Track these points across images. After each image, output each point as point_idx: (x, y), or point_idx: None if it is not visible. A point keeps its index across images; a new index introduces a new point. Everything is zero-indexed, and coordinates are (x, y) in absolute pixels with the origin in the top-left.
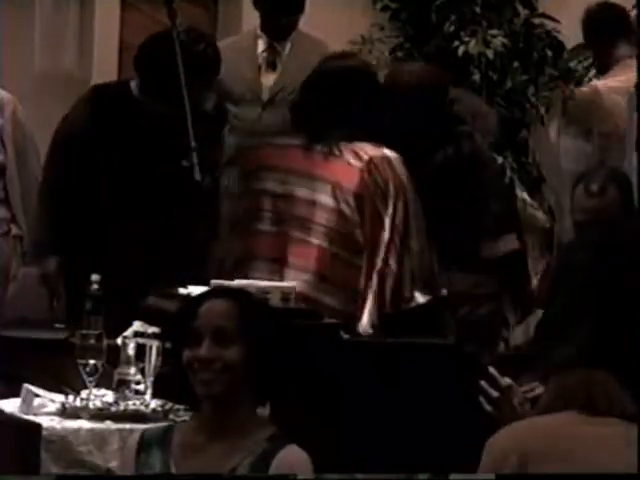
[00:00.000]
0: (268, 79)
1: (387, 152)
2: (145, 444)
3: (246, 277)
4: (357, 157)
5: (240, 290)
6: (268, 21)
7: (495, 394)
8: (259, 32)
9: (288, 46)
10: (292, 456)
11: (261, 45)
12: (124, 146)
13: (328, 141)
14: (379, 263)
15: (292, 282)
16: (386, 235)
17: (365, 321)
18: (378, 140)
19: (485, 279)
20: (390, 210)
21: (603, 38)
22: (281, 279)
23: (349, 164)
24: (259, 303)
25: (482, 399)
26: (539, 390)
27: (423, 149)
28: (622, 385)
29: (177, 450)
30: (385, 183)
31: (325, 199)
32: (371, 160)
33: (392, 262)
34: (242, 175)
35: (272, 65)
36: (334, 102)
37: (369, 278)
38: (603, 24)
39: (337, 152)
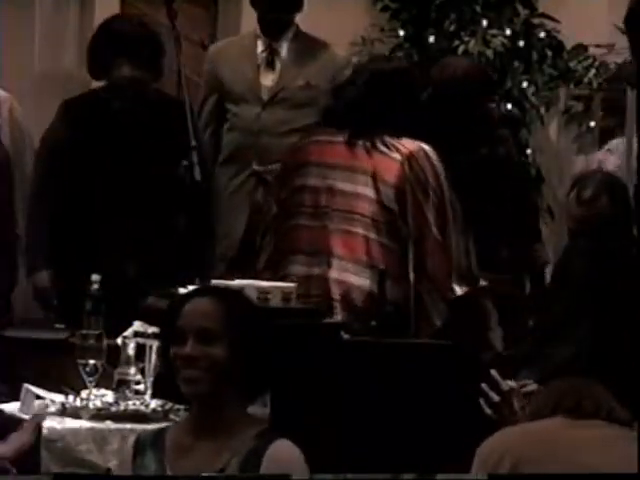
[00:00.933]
0: (267, 79)
1: (424, 146)
2: (140, 447)
3: (285, 271)
4: (397, 151)
5: (226, 289)
6: (264, 20)
7: (496, 398)
8: (258, 32)
9: (287, 45)
10: (282, 451)
11: (260, 45)
12: (104, 150)
13: (369, 136)
14: (427, 260)
15: (338, 272)
16: (431, 231)
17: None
18: (417, 137)
19: (500, 279)
20: (431, 203)
21: None
22: (327, 270)
23: (389, 157)
24: (245, 302)
25: (482, 402)
26: (532, 387)
27: (461, 146)
28: (619, 387)
29: (170, 451)
30: (425, 176)
31: (366, 191)
32: (411, 153)
33: (436, 254)
34: (285, 172)
35: (271, 65)
36: (376, 100)
37: (418, 270)
38: None
39: (378, 146)
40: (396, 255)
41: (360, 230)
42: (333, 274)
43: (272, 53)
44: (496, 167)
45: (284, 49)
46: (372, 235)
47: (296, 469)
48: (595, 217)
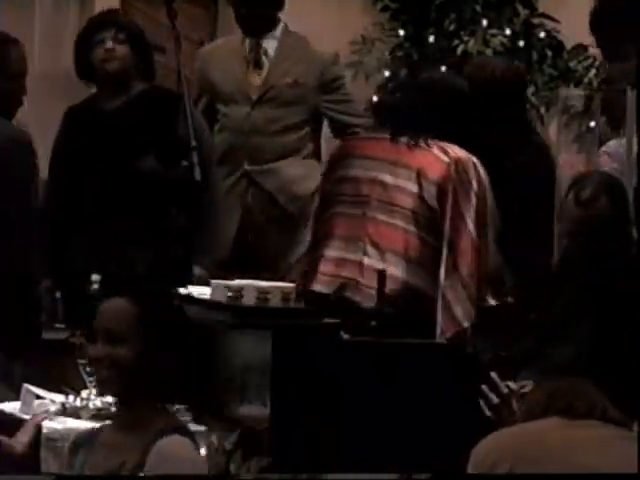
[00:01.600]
0: (256, 78)
1: (473, 157)
2: (74, 447)
3: (319, 253)
4: (444, 152)
5: (149, 290)
6: (239, 17)
7: (495, 400)
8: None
9: (275, 44)
10: (167, 446)
11: (248, 44)
12: (102, 151)
13: (415, 136)
14: (459, 259)
15: (373, 260)
16: (468, 232)
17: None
18: (463, 146)
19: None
20: (472, 209)
21: None
22: (362, 256)
23: (435, 156)
24: (162, 304)
25: (482, 404)
26: (529, 388)
27: (498, 152)
28: (619, 386)
29: (99, 449)
30: (469, 180)
31: (409, 185)
32: (459, 158)
33: (472, 261)
34: (329, 165)
35: (259, 64)
36: (428, 106)
37: (449, 269)
38: None
39: (423, 145)
40: (432, 250)
41: (399, 222)
42: (367, 260)
43: (259, 52)
44: (535, 176)
45: (272, 48)
46: (410, 227)
47: (184, 467)
48: (594, 218)
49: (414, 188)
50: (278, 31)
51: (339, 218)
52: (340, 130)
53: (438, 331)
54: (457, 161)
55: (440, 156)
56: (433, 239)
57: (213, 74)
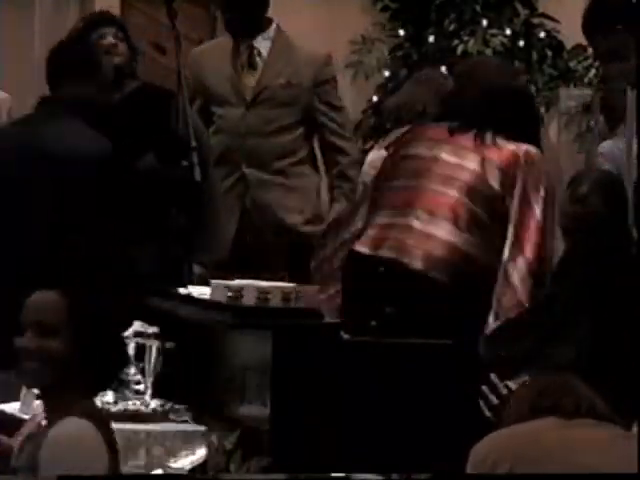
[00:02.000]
0: (249, 79)
1: (539, 152)
2: (25, 440)
3: (369, 223)
4: (513, 144)
5: (80, 282)
6: (225, 21)
7: (495, 401)
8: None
9: (267, 45)
10: (61, 426)
11: (240, 46)
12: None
13: (482, 128)
14: (526, 244)
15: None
16: (536, 220)
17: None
18: None
19: None
20: (541, 200)
21: None
22: (412, 220)
23: (503, 147)
24: (94, 297)
25: (482, 404)
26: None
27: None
28: (619, 385)
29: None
30: (539, 172)
31: (471, 165)
32: (529, 151)
33: (538, 247)
34: (394, 146)
35: (252, 65)
36: (498, 107)
37: (513, 258)
38: None
39: (489, 137)
40: (485, 227)
41: (454, 192)
42: (417, 224)
43: (252, 53)
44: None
45: (265, 49)
46: (466, 200)
47: (75, 446)
48: (588, 215)
49: (477, 167)
50: (270, 32)
51: (394, 190)
52: (327, 149)
53: (494, 305)
54: (527, 153)
55: (508, 147)
56: (487, 217)
57: (206, 76)
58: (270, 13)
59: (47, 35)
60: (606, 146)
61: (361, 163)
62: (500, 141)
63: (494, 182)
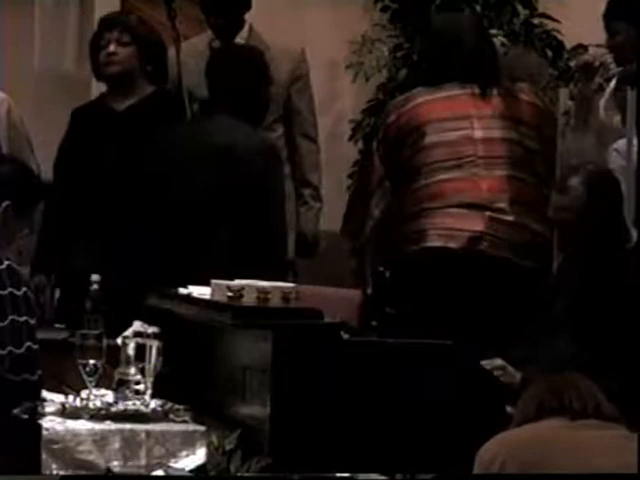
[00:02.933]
0: None
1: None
2: None
3: (424, 226)
4: (529, 93)
5: None
6: (209, 19)
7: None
8: (211, 34)
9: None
10: None
11: (216, 46)
12: (107, 151)
13: (497, 83)
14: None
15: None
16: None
17: None
18: None
19: None
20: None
21: None
22: (486, 211)
23: (525, 101)
24: None
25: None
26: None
27: None
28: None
29: None
30: (554, 113)
31: (509, 134)
32: (537, 94)
33: None
34: (400, 133)
35: None
36: (492, 50)
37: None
38: None
39: (512, 92)
40: (537, 189)
41: (511, 172)
42: (491, 214)
43: None
44: None
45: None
46: (522, 175)
47: None
48: (569, 206)
49: (515, 136)
50: (244, 32)
51: (444, 185)
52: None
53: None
54: (541, 98)
55: (528, 99)
56: (537, 180)
57: (187, 78)
58: (270, 13)
59: (47, 35)
60: (621, 143)
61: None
62: (519, 90)
63: (533, 144)
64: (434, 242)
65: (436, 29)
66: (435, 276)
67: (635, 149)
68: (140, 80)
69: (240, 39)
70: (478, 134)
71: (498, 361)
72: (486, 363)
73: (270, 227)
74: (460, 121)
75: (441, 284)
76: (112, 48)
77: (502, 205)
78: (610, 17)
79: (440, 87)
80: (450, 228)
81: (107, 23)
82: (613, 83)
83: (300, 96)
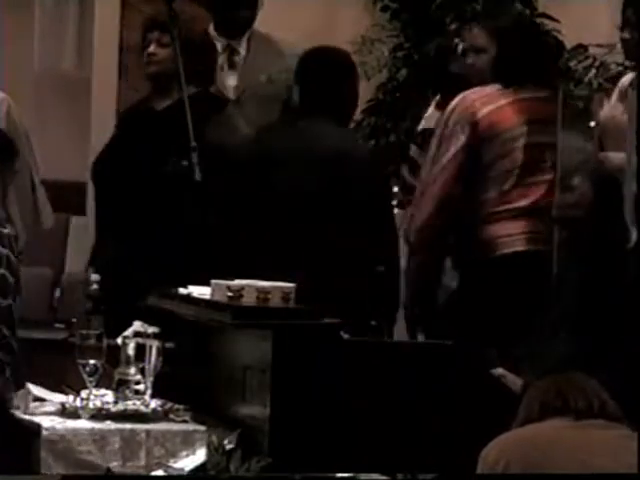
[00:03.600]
0: (231, 79)
1: None
2: None
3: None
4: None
5: None
6: (223, 18)
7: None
8: (213, 32)
9: (243, 44)
10: None
11: (219, 46)
12: (144, 148)
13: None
14: None
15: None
16: None
17: None
18: None
19: None
20: None
21: None
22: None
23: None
24: None
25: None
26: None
27: None
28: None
29: None
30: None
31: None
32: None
33: None
34: (499, 132)
35: (232, 65)
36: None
37: None
38: None
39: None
40: None
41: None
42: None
43: (232, 53)
44: None
45: (243, 48)
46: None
47: None
48: (576, 204)
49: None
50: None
51: (527, 188)
52: None
53: None
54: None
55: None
56: None
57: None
58: (270, 13)
59: (47, 35)
60: None
61: None
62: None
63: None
64: (524, 246)
65: (521, 30)
66: (529, 279)
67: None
68: (178, 80)
69: (244, 39)
70: (544, 139)
71: (499, 370)
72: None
73: (382, 227)
74: (535, 125)
75: (533, 287)
76: (152, 49)
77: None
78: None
79: (516, 89)
80: (537, 232)
81: (149, 23)
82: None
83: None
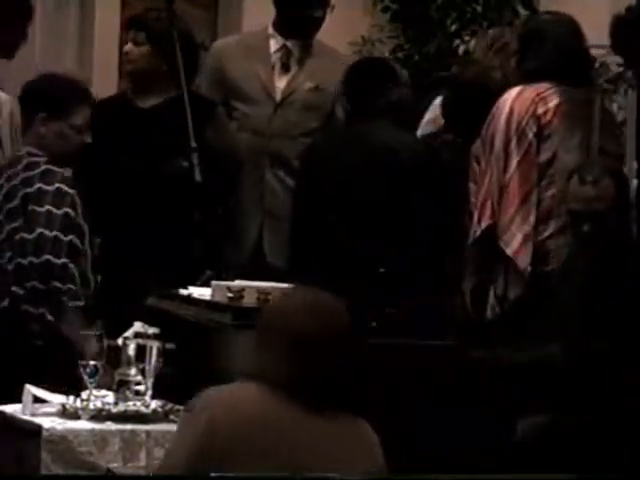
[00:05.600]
0: (280, 80)
1: None
2: None
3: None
4: None
5: None
6: (291, 17)
7: None
8: (271, 31)
9: (300, 47)
10: None
11: (274, 45)
12: (121, 147)
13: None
14: None
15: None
16: None
17: None
18: None
19: None
20: None
21: None
22: None
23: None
24: None
25: None
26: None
27: None
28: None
29: None
30: None
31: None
32: None
33: None
34: (550, 133)
35: (285, 67)
36: None
37: None
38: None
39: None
40: None
41: None
42: None
43: (287, 54)
44: None
45: (297, 51)
46: None
47: None
48: (600, 196)
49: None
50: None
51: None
52: None
53: None
54: None
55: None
56: None
57: (232, 71)
58: (270, 13)
59: (47, 35)
60: None
61: None
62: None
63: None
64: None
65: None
66: None
67: (635, 149)
68: (165, 80)
69: (299, 41)
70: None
71: None
72: None
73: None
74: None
75: None
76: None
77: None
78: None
79: (568, 88)
80: None
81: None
82: None
83: (341, 110)
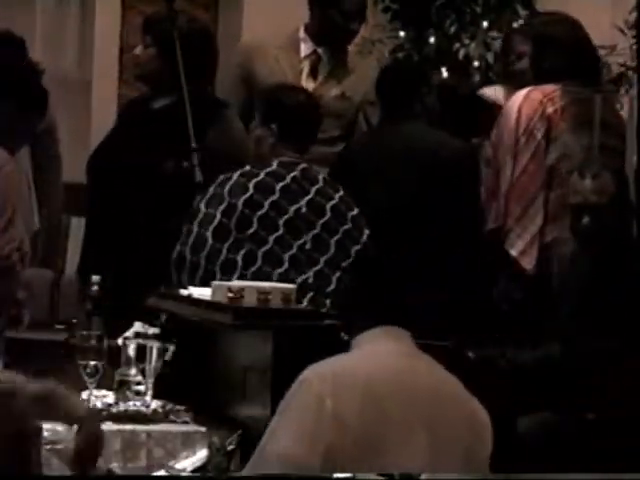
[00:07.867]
0: (308, 86)
1: None
2: None
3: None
4: None
5: None
6: (329, 25)
7: None
8: (303, 35)
9: (330, 55)
10: None
11: (304, 49)
12: (130, 146)
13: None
14: None
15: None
16: None
17: None
18: None
19: None
20: None
21: None
22: None
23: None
24: None
25: None
26: None
27: None
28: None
29: None
30: None
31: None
32: None
33: None
34: (564, 130)
35: (314, 72)
36: None
37: None
38: None
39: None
40: None
41: None
42: None
43: (317, 61)
44: None
45: (327, 57)
46: None
47: None
48: (601, 189)
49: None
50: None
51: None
52: None
53: None
54: None
55: None
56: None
57: (259, 70)
58: (271, 13)
59: (47, 35)
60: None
61: None
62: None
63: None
64: None
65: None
66: None
67: (635, 149)
68: (173, 80)
69: (329, 48)
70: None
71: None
72: None
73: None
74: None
75: None
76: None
77: None
78: None
79: (575, 89)
80: None
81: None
82: None
83: (366, 118)
